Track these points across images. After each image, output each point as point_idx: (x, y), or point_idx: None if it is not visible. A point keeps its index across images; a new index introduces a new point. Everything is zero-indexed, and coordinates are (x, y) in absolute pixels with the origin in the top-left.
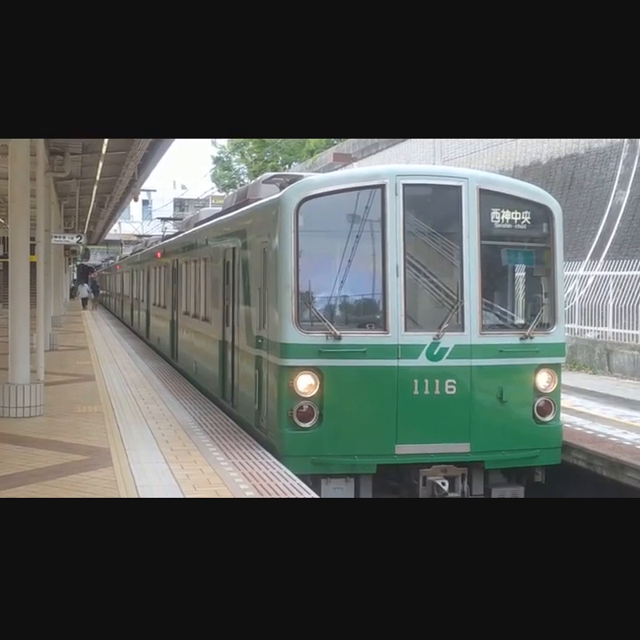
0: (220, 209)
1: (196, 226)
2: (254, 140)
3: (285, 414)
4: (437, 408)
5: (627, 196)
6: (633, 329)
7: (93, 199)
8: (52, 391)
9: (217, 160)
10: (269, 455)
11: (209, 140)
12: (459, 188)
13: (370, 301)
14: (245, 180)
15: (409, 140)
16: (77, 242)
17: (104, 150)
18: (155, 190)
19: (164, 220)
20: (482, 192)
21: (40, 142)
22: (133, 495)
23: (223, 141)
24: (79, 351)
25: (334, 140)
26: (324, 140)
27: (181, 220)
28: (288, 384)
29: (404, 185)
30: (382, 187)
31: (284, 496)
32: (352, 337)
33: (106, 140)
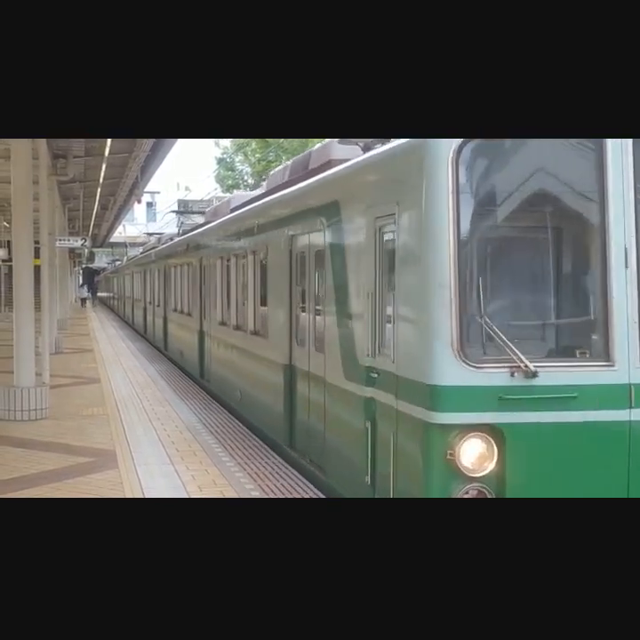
0: (253, 193)
1: (231, 212)
2: (257, 140)
3: None
4: None
5: None
6: None
7: (97, 202)
8: (57, 394)
9: (220, 161)
10: (275, 455)
11: (212, 142)
12: None
13: (579, 312)
14: (249, 181)
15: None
16: (82, 245)
17: (107, 153)
18: (158, 192)
19: (180, 213)
20: None
21: (42, 146)
22: (139, 496)
23: (226, 142)
24: (85, 354)
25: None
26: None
27: (203, 212)
28: (445, 455)
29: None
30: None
31: (290, 496)
32: (553, 373)
33: (108, 143)
